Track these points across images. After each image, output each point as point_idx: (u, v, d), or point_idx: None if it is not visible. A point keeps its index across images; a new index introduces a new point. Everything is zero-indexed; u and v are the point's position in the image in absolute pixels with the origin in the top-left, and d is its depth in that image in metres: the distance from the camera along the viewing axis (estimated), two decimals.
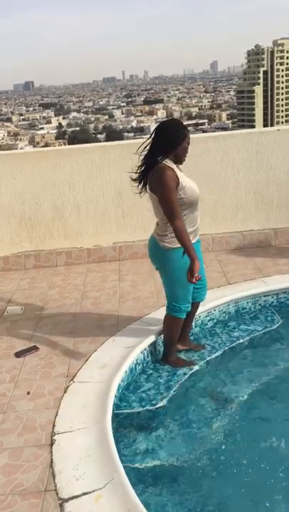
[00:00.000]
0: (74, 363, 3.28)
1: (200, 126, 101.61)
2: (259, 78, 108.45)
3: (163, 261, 3.10)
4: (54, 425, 2.72)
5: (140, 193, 3.07)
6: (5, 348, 3.55)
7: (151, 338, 3.45)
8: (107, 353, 3.34)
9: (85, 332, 3.68)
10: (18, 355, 3.44)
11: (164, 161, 2.91)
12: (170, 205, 2.87)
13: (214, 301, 3.82)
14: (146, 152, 2.96)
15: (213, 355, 3.47)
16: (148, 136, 3.04)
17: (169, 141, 2.90)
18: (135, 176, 3.04)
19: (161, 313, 3.72)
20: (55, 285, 4.58)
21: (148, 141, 2.97)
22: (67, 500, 2.24)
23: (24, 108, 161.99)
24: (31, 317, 3.99)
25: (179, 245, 2.91)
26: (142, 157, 2.98)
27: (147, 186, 3.01)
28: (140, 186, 3.05)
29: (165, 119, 3.15)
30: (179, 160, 2.98)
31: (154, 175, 2.92)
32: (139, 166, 3.01)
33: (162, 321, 3.38)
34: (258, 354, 3.54)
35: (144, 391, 3.13)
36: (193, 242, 3.06)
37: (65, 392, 3.00)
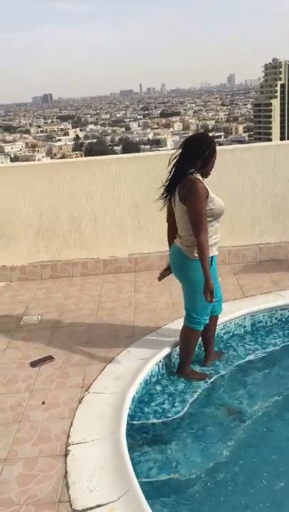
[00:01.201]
0: (89, 374, 3.29)
1: (216, 139, 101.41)
2: (276, 91, 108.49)
3: (188, 272, 3.11)
4: (69, 436, 2.72)
5: (164, 205, 3.10)
6: (20, 358, 3.57)
7: (167, 350, 3.44)
8: (122, 365, 3.34)
9: (101, 343, 3.68)
10: (33, 364, 3.46)
11: (194, 174, 2.95)
12: (199, 217, 2.91)
13: (230, 314, 3.80)
14: (175, 163, 3.01)
15: (229, 369, 3.45)
16: (172, 147, 3.09)
17: (199, 157, 2.96)
18: (162, 186, 3.09)
19: (176, 325, 3.71)
20: (71, 295, 4.60)
21: (177, 152, 3.02)
22: None
23: (42, 120, 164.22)
24: (47, 327, 4.01)
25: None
26: (171, 168, 3.02)
27: (175, 198, 3.04)
28: (165, 198, 3.09)
29: (195, 133, 3.24)
30: (206, 174, 3.05)
31: (185, 186, 2.95)
32: (169, 178, 3.04)
33: (178, 333, 3.37)
34: (274, 368, 3.50)
35: (159, 403, 3.11)
36: (215, 254, 3.09)
37: (79, 402, 3.00)
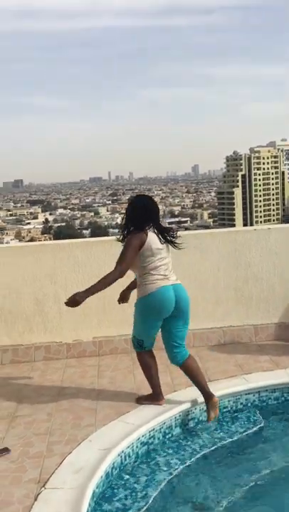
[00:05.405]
0: (47, 467, 3.09)
1: (182, 224, 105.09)
2: (238, 181, 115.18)
3: None
4: None
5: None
6: None
7: (129, 439, 3.29)
8: (83, 456, 3.16)
9: (61, 432, 3.50)
10: None
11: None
12: None
13: (195, 399, 3.71)
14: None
15: (194, 459, 3.31)
16: None
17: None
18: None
19: (140, 412, 3.61)
20: (32, 381, 4.43)
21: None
22: None
23: (12, 204, 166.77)
24: (4, 416, 3.81)
25: None
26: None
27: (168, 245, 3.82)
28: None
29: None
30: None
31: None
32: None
33: (142, 420, 3.28)
34: (242, 457, 3.38)
35: (120, 499, 2.92)
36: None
37: (35, 499, 2.79)
